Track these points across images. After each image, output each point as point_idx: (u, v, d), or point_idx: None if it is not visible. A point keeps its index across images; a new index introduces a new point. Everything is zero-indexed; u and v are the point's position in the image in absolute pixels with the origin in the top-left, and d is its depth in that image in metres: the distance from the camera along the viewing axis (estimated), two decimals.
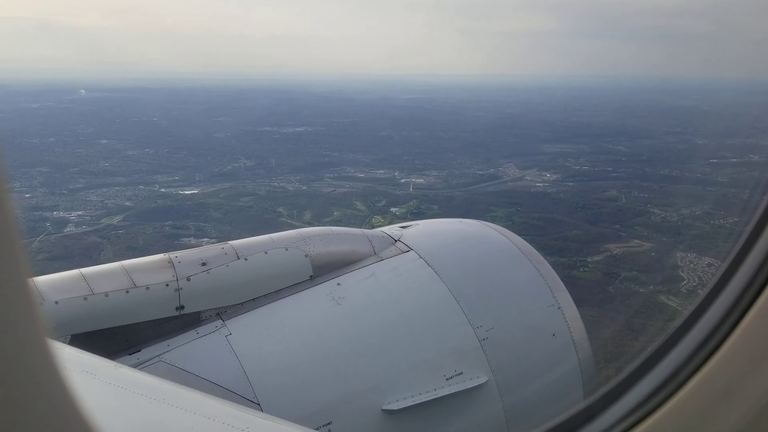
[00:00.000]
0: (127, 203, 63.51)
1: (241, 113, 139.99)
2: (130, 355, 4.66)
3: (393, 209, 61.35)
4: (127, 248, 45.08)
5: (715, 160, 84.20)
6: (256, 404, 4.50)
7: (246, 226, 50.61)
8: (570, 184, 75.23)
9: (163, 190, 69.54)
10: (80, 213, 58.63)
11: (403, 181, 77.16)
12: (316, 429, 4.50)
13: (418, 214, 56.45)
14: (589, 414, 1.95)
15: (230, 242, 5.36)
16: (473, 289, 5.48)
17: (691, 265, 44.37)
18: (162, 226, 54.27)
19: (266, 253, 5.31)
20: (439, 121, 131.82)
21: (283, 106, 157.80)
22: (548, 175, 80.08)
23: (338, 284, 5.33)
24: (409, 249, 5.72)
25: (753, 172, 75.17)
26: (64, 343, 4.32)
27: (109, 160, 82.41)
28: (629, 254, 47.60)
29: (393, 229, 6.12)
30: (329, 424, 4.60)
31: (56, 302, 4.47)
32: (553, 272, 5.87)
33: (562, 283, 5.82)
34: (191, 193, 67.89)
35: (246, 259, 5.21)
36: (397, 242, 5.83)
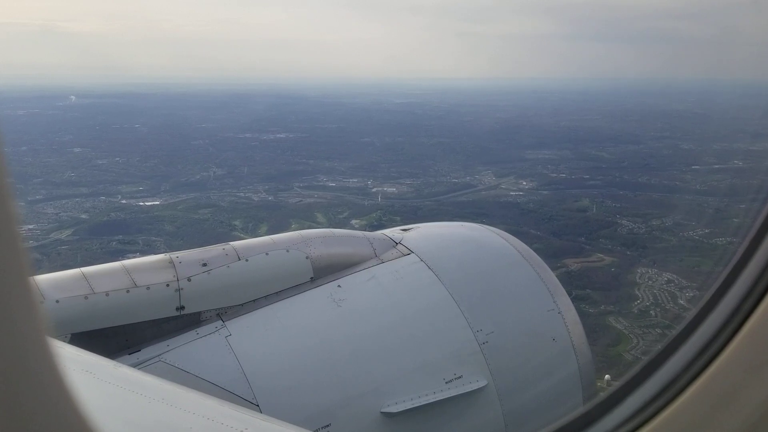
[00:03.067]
0: (83, 216, 61.76)
1: (227, 119, 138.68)
2: (129, 354, 4.66)
3: (353, 221, 59.43)
4: (62, 267, 43.21)
5: (697, 167, 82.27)
6: (255, 405, 4.49)
7: (196, 241, 48.84)
8: (544, 192, 73.28)
9: (123, 201, 67.62)
10: (31, 227, 56.60)
11: (374, 190, 75.32)
12: (314, 430, 4.49)
13: (379, 227, 54.11)
14: (588, 419, 1.95)
15: (231, 243, 5.34)
16: (474, 292, 5.47)
17: (650, 282, 42.40)
18: (110, 241, 52.45)
19: (267, 254, 5.30)
20: (425, 126, 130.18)
21: (271, 112, 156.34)
22: (524, 183, 78.15)
23: (339, 286, 5.33)
24: (410, 252, 5.71)
25: (734, 179, 73.24)
26: (64, 342, 4.30)
27: (76, 170, 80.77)
28: (587, 270, 45.51)
29: (394, 232, 6.09)
30: (328, 425, 4.61)
31: (57, 301, 4.47)
32: (554, 276, 5.84)
33: (562, 288, 5.78)
34: (151, 205, 66.12)
35: (247, 260, 5.21)
36: (398, 245, 5.81)
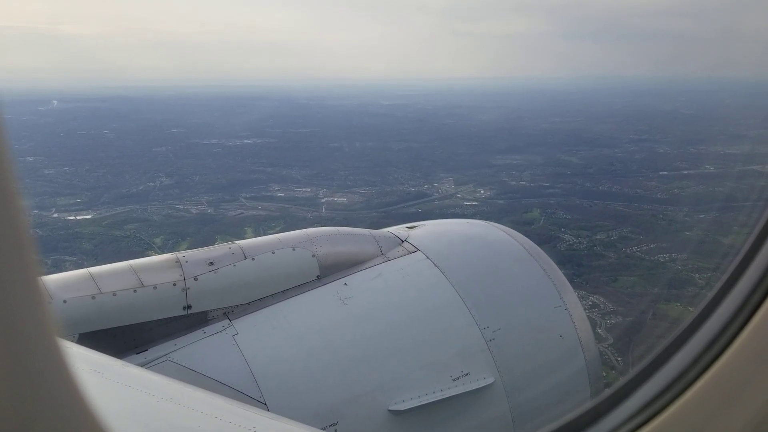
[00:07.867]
0: None
1: (201, 124, 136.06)
2: (137, 354, 4.65)
3: None
4: None
5: (665, 173, 78.83)
6: (262, 404, 4.47)
7: (107, 262, 45.91)
8: (500, 202, 69.88)
9: (56, 215, 64.56)
10: None
11: (324, 200, 72.27)
12: (322, 429, 4.49)
13: None
14: (596, 415, 1.97)
15: (237, 242, 5.35)
16: (480, 289, 5.46)
17: None
18: None
19: (273, 253, 5.27)
20: (400, 130, 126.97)
21: (251, 116, 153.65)
22: (482, 191, 74.74)
23: (345, 284, 5.30)
24: (416, 249, 5.70)
25: (699, 186, 69.80)
26: (72, 341, 4.28)
27: (18, 182, 77.82)
28: None
29: (400, 230, 6.11)
30: (336, 424, 4.59)
31: (65, 301, 4.47)
32: (561, 273, 5.82)
33: (569, 285, 5.76)
34: (82, 219, 63.11)
35: (253, 259, 5.17)
36: (404, 243, 5.80)
